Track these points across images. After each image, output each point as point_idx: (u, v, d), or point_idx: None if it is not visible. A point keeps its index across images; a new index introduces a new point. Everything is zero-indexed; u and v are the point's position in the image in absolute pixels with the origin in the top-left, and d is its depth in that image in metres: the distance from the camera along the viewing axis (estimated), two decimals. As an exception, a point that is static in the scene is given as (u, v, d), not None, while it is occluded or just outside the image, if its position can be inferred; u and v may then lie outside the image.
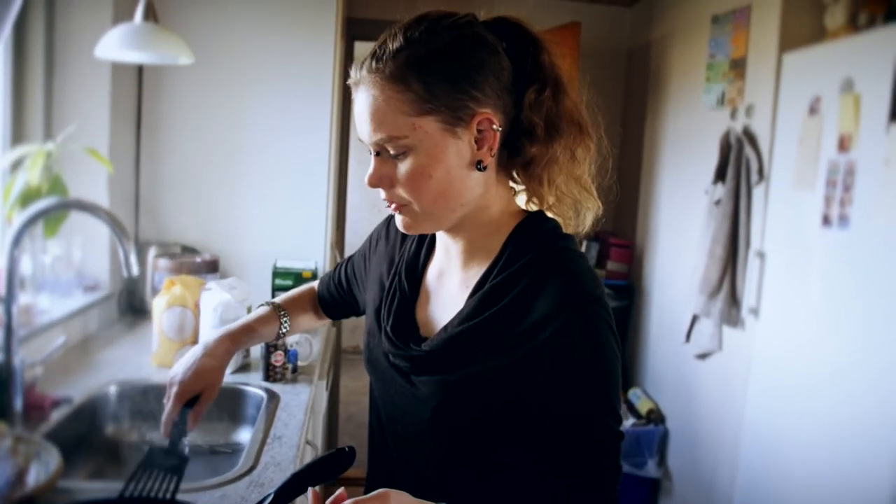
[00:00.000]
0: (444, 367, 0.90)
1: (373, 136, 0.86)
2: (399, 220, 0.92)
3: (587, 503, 0.82)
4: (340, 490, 0.79)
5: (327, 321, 1.40)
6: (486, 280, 0.90)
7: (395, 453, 0.99)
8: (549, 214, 0.96)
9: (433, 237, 1.02)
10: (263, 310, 1.28)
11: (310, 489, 0.78)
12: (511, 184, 0.96)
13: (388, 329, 0.99)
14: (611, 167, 0.98)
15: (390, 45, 0.85)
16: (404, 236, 1.08)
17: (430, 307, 0.99)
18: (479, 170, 0.88)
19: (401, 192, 0.88)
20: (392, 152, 0.86)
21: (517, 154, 0.90)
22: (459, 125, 0.85)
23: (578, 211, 0.96)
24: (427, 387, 0.91)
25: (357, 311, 1.28)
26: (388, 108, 0.84)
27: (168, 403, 1.14)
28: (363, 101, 0.86)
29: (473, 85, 0.85)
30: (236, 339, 1.21)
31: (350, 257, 1.27)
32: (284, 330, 1.28)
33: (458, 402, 0.89)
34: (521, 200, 0.98)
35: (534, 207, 0.96)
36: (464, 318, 0.90)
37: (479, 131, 0.86)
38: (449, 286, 0.97)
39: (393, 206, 0.91)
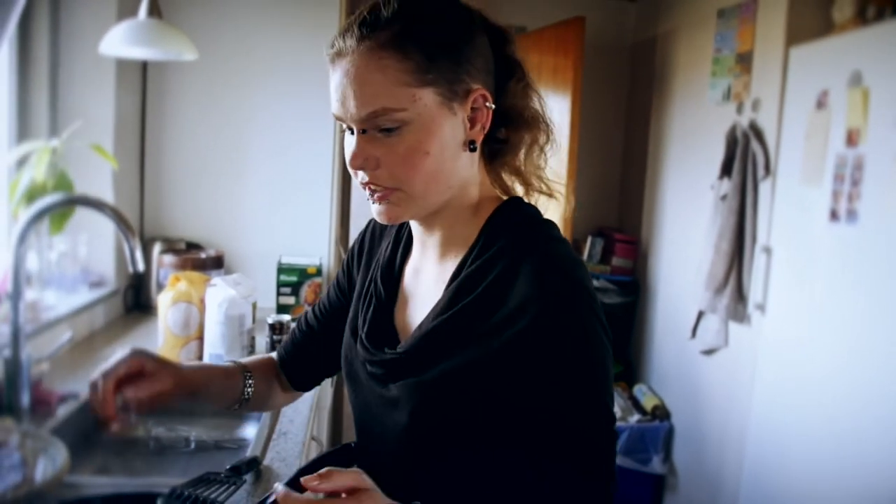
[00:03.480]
0: (420, 368, 0.83)
1: (362, 109, 0.79)
2: (381, 210, 0.85)
3: None
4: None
5: (293, 397, 1.20)
6: (462, 270, 0.85)
7: (372, 472, 0.83)
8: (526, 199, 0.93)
9: (409, 236, 0.96)
10: (226, 364, 1.10)
11: (279, 485, 0.72)
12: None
13: (363, 336, 0.93)
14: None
15: (384, 12, 0.79)
16: (380, 239, 1.02)
17: (408, 310, 0.92)
18: (471, 150, 0.84)
19: (390, 172, 0.81)
20: (385, 127, 0.79)
21: (492, 134, 0.88)
22: (456, 99, 0.81)
23: (549, 197, 0.94)
24: (402, 391, 0.84)
25: (336, 364, 1.05)
26: (385, 78, 0.78)
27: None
28: (349, 73, 0.79)
29: (469, 59, 0.82)
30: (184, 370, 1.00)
31: (326, 293, 1.12)
32: (247, 395, 1.06)
33: (434, 404, 0.82)
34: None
35: (517, 192, 0.94)
36: (437, 312, 0.85)
37: (472, 109, 0.83)
38: (426, 283, 0.91)
39: (376, 194, 0.84)
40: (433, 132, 0.80)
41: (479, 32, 0.84)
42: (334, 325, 1.06)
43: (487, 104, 0.83)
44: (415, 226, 0.93)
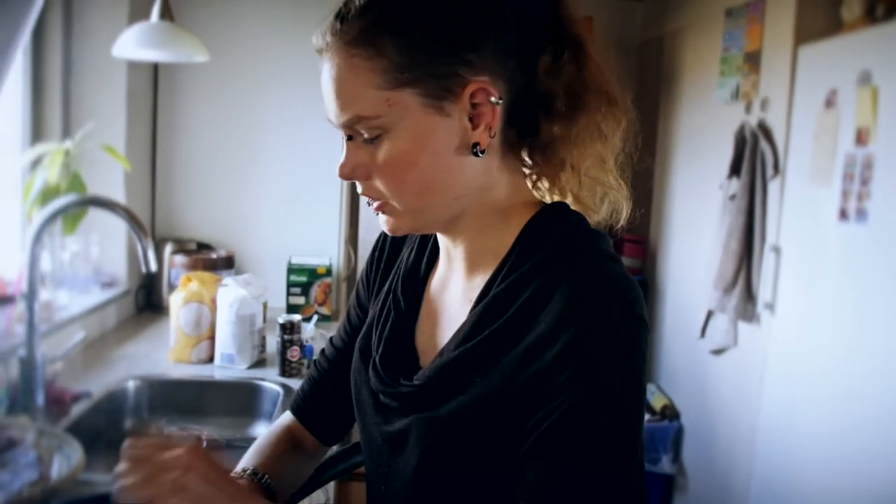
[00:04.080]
0: (435, 403, 0.71)
1: (339, 116, 0.69)
2: (382, 221, 0.74)
3: None
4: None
5: (325, 452, 0.99)
6: (490, 288, 0.72)
7: None
8: (574, 207, 0.77)
9: (436, 239, 0.82)
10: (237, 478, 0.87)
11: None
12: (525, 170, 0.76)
13: (377, 359, 0.79)
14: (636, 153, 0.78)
15: (357, 1, 0.68)
16: (400, 243, 0.88)
17: (431, 329, 0.79)
18: (476, 155, 0.70)
19: (378, 184, 0.71)
20: (365, 136, 0.69)
21: (531, 133, 0.72)
22: (447, 98, 0.67)
23: (604, 201, 0.77)
24: (413, 427, 0.72)
25: None
26: (356, 80, 0.67)
27: None
28: (328, 74, 0.69)
29: (466, 45, 0.67)
30: None
31: (346, 317, 0.95)
32: (271, 496, 0.86)
33: (447, 444, 0.70)
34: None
35: (554, 198, 0.77)
36: (461, 338, 0.72)
37: (473, 106, 0.68)
38: (451, 301, 0.78)
39: (374, 204, 0.73)
40: (418, 140, 0.68)
41: (491, 3, 0.69)
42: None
43: (492, 99, 0.68)
44: (438, 234, 0.80)
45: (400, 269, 0.85)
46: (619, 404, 0.65)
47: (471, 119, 0.69)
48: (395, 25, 0.66)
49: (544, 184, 0.76)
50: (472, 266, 0.76)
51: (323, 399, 0.94)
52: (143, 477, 0.63)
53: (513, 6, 0.69)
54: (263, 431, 0.98)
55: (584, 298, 0.65)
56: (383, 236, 0.91)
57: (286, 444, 0.93)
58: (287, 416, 0.97)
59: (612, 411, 0.64)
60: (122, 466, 0.65)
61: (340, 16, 0.68)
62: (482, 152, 0.70)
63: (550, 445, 0.64)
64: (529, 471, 0.65)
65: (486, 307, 0.71)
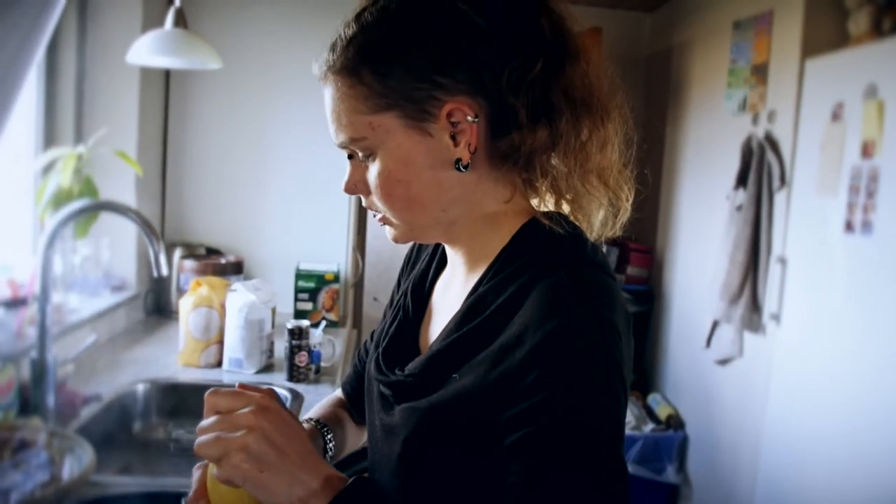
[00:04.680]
0: (421, 392, 0.74)
1: (337, 138, 0.76)
2: (387, 232, 0.80)
3: None
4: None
5: (362, 431, 1.05)
6: (479, 287, 0.76)
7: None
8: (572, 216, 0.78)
9: (444, 248, 0.87)
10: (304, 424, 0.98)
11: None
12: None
13: (380, 353, 0.85)
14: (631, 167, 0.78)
15: (343, 33, 0.73)
16: (419, 252, 0.95)
17: (431, 326, 0.85)
18: (460, 170, 0.73)
19: (374, 199, 0.77)
20: (360, 155, 0.75)
21: (501, 137, 0.73)
22: (427, 120, 0.71)
23: (599, 211, 0.77)
24: (402, 416, 0.76)
25: None
26: (342, 106, 0.73)
27: None
28: (326, 100, 0.76)
29: (436, 70, 0.70)
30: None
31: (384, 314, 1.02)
32: (329, 450, 0.97)
33: (427, 434, 0.73)
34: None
35: (549, 208, 0.79)
36: (447, 333, 0.76)
37: (452, 124, 0.71)
38: (451, 299, 0.82)
39: (377, 216, 0.79)
40: (402, 159, 0.73)
41: (460, 23, 0.70)
42: None
43: (468, 118, 0.71)
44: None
45: (413, 274, 0.91)
46: (589, 411, 0.63)
47: (452, 137, 0.72)
48: (371, 56, 0.71)
49: (543, 193, 0.77)
50: (469, 269, 0.80)
51: (363, 388, 0.99)
52: (213, 436, 0.66)
53: (486, 21, 0.70)
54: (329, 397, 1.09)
55: (553, 302, 0.67)
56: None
57: (343, 408, 1.05)
58: (339, 391, 1.09)
59: (582, 418, 0.63)
60: (204, 422, 0.68)
61: (332, 48, 0.74)
62: (465, 168, 0.73)
63: (521, 452, 0.64)
64: (509, 475, 0.65)
65: (470, 306, 0.74)
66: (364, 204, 0.79)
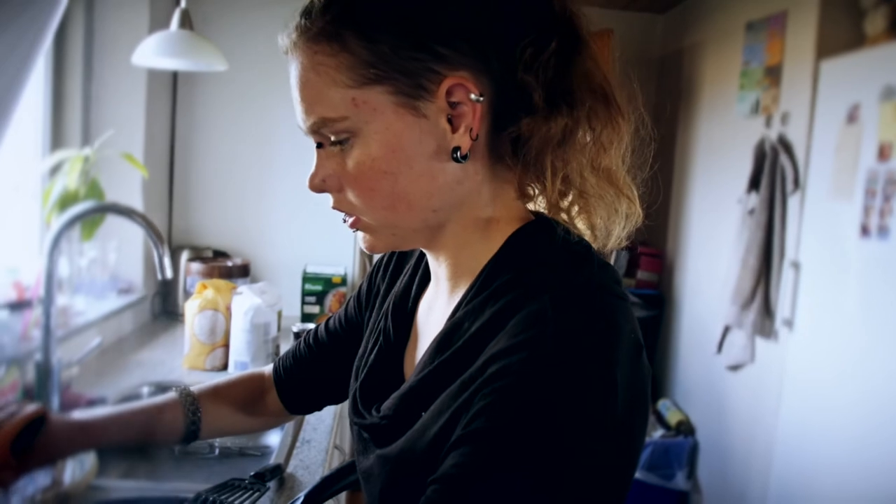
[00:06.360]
0: (392, 437, 0.64)
1: (305, 120, 0.63)
2: (360, 239, 0.68)
3: None
4: None
5: (282, 420, 1.02)
6: (458, 311, 0.64)
7: None
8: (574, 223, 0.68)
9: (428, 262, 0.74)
10: (165, 396, 0.93)
11: None
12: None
13: (357, 389, 0.73)
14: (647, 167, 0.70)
15: None
16: (399, 266, 0.82)
17: (417, 353, 0.72)
18: (457, 161, 0.61)
19: (350, 196, 0.64)
20: (333, 139, 0.62)
21: (506, 127, 0.62)
22: (421, 97, 0.59)
23: (605, 216, 0.67)
24: (375, 464, 0.67)
25: (340, 393, 0.90)
26: (320, 78, 0.60)
27: None
28: (293, 75, 0.63)
29: (437, 37, 0.59)
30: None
31: (345, 306, 0.93)
32: (194, 427, 0.91)
33: (402, 484, 0.63)
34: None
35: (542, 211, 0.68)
36: (422, 365, 0.64)
37: (451, 105, 0.60)
38: (435, 324, 0.69)
39: (348, 220, 0.66)
40: (390, 145, 0.60)
41: None
42: (346, 345, 0.87)
43: (472, 96, 0.60)
44: (422, 249, 0.73)
45: (396, 290, 0.78)
46: (541, 456, 0.51)
47: (450, 120, 0.60)
48: (359, 18, 0.59)
49: (548, 195, 0.66)
50: (453, 286, 0.68)
51: (300, 373, 0.94)
52: None
53: None
54: (247, 371, 1.03)
55: (532, 327, 0.55)
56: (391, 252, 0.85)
57: (249, 390, 0.97)
58: (267, 369, 0.99)
59: (521, 461, 0.51)
60: None
61: (305, 12, 0.62)
62: (464, 158, 0.61)
63: (440, 481, 0.54)
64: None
65: (445, 334, 0.63)
66: (332, 205, 0.66)
